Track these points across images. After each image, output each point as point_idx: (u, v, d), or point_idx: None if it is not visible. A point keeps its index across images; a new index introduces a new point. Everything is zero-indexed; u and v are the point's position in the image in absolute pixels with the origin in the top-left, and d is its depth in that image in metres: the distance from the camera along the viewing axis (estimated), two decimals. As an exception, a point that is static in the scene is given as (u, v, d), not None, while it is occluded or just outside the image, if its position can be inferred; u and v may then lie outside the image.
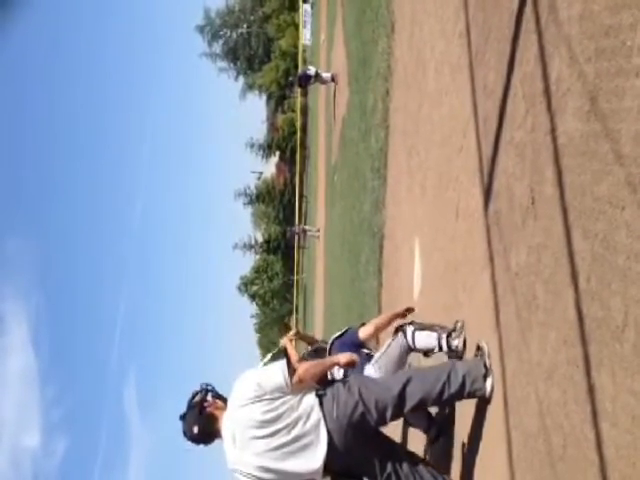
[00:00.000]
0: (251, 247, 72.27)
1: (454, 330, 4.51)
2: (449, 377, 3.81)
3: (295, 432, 3.80)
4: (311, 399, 3.85)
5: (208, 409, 4.02)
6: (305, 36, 46.40)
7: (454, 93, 5.22)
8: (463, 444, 4.30)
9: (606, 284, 2.42)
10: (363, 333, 5.10)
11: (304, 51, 49.06)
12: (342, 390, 3.85)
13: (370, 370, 4.69)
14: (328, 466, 3.82)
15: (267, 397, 3.84)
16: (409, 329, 4.68)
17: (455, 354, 4.46)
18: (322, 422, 3.78)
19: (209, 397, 4.09)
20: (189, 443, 4.04)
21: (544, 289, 3.04)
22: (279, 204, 65.52)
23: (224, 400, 4.07)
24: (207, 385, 4.16)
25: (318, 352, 5.40)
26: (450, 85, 5.41)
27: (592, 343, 2.51)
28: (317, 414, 3.80)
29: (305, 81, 22.92)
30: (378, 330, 5.21)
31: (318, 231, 33.09)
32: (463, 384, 3.80)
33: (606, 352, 2.39)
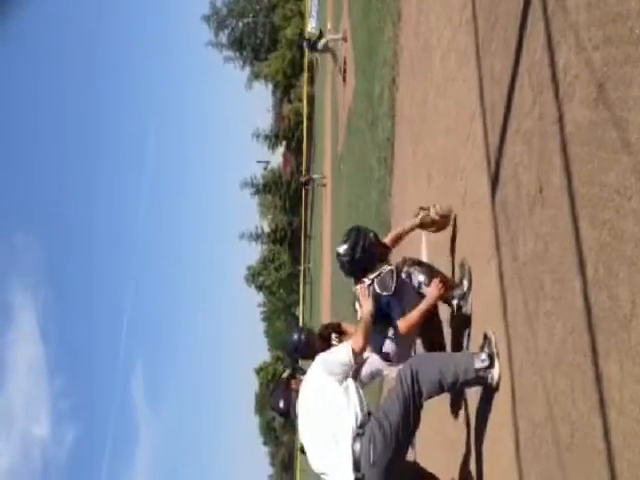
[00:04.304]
0: (258, 237, 72.31)
1: (462, 297, 4.62)
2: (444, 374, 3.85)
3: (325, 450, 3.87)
4: (346, 433, 3.79)
5: (294, 386, 4.27)
6: (311, 25, 46.12)
7: (461, 81, 5.20)
8: (470, 433, 4.31)
9: (614, 273, 2.41)
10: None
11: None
12: (378, 434, 3.72)
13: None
14: None
15: (325, 380, 3.98)
16: (415, 274, 4.71)
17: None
18: (350, 463, 3.72)
19: (297, 374, 4.37)
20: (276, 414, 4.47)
21: (551, 278, 3.03)
22: (285, 194, 65.47)
23: None
24: (295, 365, 4.43)
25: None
26: (457, 73, 5.38)
27: (599, 332, 2.51)
28: (348, 456, 3.73)
29: (314, 44, 22.51)
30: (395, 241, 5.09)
31: (324, 178, 32.57)
32: (456, 378, 3.84)
33: (613, 341, 2.39)
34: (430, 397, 3.94)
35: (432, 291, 4.54)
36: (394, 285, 4.56)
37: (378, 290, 4.56)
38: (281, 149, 69.64)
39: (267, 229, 71.27)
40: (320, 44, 22.30)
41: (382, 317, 4.53)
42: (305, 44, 23.35)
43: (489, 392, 3.90)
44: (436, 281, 4.58)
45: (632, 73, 2.34)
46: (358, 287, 4.48)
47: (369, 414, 3.84)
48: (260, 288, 70.60)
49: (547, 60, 3.13)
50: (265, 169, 69.60)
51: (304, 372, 4.28)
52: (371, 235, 4.88)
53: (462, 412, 4.55)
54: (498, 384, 3.79)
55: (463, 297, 4.57)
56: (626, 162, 2.34)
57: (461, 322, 4.69)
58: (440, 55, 6.15)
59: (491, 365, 3.81)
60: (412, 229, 5.11)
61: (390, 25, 9.99)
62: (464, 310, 4.57)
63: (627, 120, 2.35)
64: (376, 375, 5.30)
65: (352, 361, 4.02)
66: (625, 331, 2.31)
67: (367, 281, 4.70)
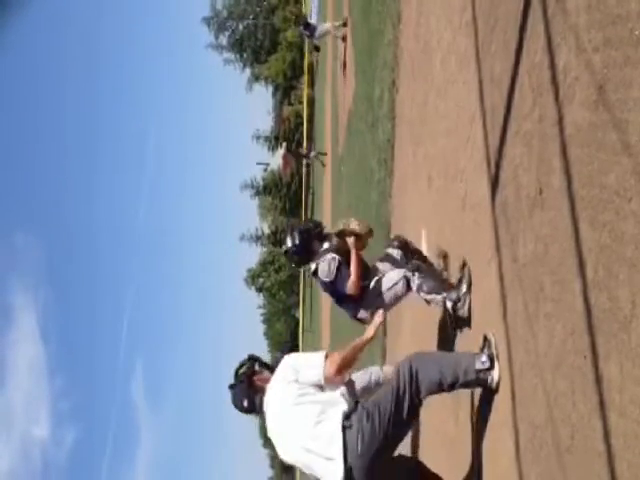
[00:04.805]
0: (258, 238, 72.29)
1: (458, 300, 4.59)
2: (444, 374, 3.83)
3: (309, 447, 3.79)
4: (334, 426, 3.72)
5: (257, 382, 4.12)
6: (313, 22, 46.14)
7: (460, 83, 5.20)
8: (470, 435, 4.30)
9: (614, 275, 2.41)
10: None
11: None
12: (366, 425, 3.65)
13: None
14: None
15: (298, 386, 3.87)
16: (415, 280, 4.84)
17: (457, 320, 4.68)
18: (340, 455, 3.65)
19: (257, 367, 4.19)
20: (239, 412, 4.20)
21: (551, 280, 3.03)
22: (285, 196, 65.44)
23: (271, 369, 4.14)
24: (254, 356, 4.26)
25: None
26: (456, 75, 5.39)
27: (599, 334, 2.51)
28: (337, 447, 3.65)
29: (312, 30, 22.43)
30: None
31: (325, 154, 32.37)
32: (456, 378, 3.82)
33: (614, 343, 2.39)
34: (428, 395, 3.93)
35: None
36: (335, 272, 5.04)
37: (320, 276, 5.09)
38: (281, 151, 69.60)
39: (267, 231, 71.25)
40: (317, 33, 22.30)
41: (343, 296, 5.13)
42: (302, 30, 23.36)
43: (489, 394, 3.90)
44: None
45: (632, 75, 2.34)
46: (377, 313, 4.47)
47: (356, 403, 3.80)
48: (260, 290, 70.49)
49: (547, 62, 3.13)
50: (265, 171, 69.56)
51: (269, 368, 4.15)
52: (302, 224, 5.66)
53: (462, 413, 4.55)
54: (498, 386, 3.78)
55: (460, 299, 4.57)
56: (626, 164, 2.35)
57: (458, 324, 4.69)
58: (440, 57, 6.16)
59: (491, 367, 3.80)
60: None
61: (390, 27, 10.00)
62: (460, 313, 4.57)
63: (627, 122, 2.36)
64: (374, 388, 5.26)
65: (321, 380, 3.88)
66: (625, 332, 2.31)
67: (313, 265, 5.20)
